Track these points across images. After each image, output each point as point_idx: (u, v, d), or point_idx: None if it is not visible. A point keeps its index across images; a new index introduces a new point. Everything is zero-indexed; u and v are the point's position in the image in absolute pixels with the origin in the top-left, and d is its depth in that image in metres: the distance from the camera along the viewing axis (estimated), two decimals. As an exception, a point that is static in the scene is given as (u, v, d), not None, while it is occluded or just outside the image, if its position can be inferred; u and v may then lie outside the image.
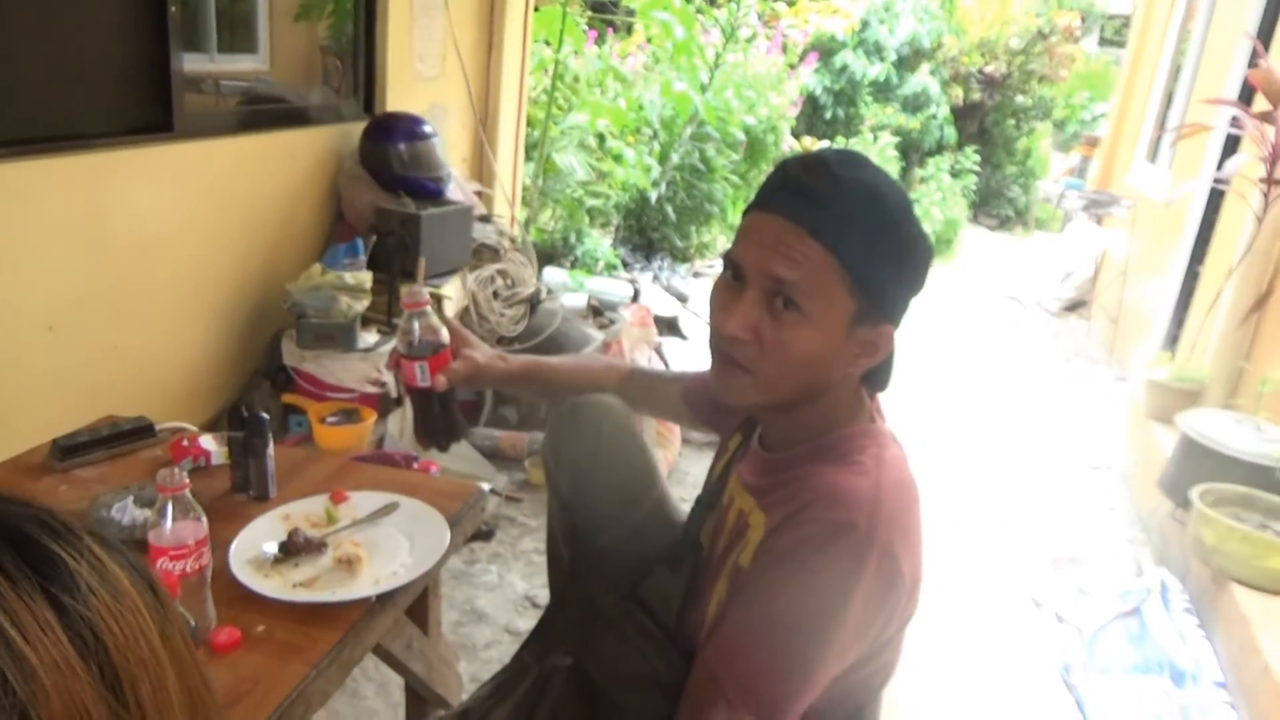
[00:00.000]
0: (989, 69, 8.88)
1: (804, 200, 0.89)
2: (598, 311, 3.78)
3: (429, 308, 1.18)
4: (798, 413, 0.99)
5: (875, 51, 8.47)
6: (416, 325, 1.18)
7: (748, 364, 0.94)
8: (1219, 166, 3.55)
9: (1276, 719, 1.93)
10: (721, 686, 0.91)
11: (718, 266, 5.69)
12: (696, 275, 5.55)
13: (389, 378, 2.69)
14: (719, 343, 0.96)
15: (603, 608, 1.10)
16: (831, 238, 0.89)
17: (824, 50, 8.11)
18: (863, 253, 0.90)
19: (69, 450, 1.48)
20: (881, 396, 1.08)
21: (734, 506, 1.05)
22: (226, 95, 2.82)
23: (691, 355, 3.78)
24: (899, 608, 0.92)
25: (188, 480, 1.06)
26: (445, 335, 1.20)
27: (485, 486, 1.50)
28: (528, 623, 2.33)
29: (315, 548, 1.24)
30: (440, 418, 1.22)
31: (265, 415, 1.37)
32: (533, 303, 3.39)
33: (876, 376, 1.01)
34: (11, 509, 0.43)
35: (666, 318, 4.22)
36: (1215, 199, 3.71)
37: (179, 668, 0.43)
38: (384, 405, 2.71)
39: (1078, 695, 2.26)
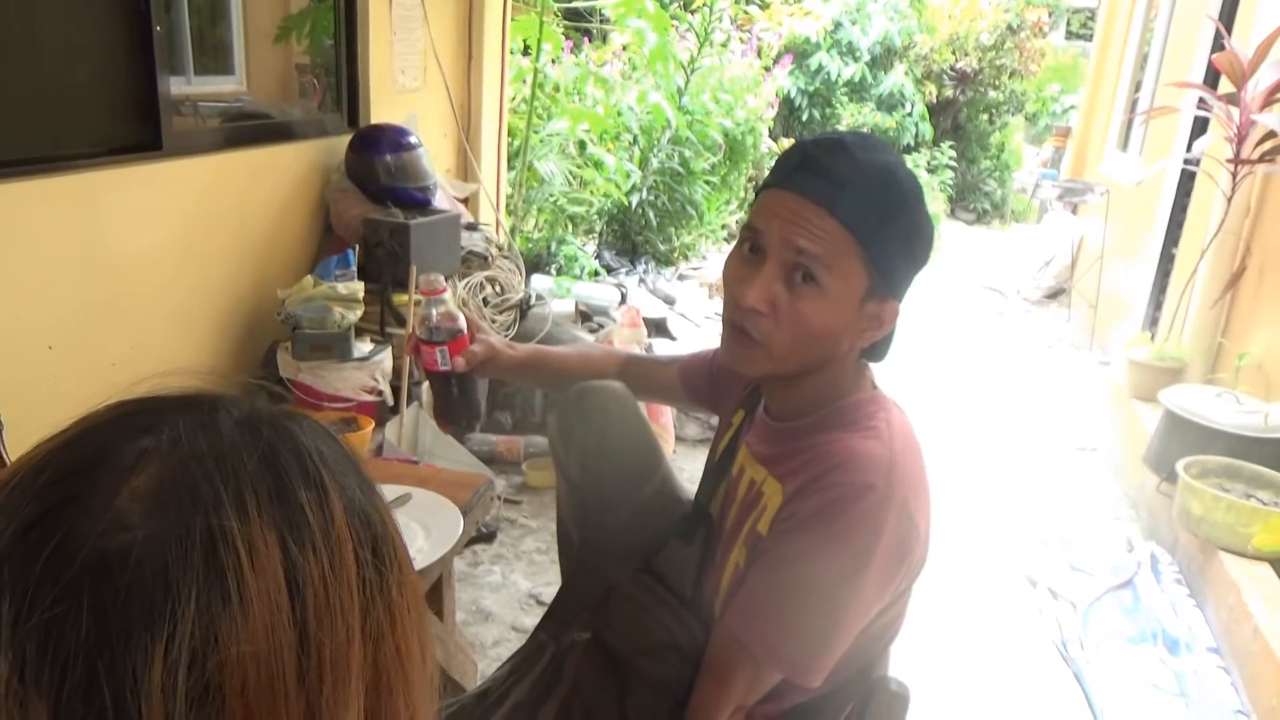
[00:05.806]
0: (960, 65, 8.99)
1: (824, 180, 0.93)
2: (586, 317, 3.81)
3: (446, 295, 1.21)
4: (803, 383, 1.03)
5: (849, 52, 8.55)
6: (434, 311, 1.21)
7: (761, 336, 0.97)
8: (1188, 149, 3.62)
9: (1268, 679, 1.98)
10: (747, 648, 0.95)
11: (702, 268, 5.73)
12: (681, 278, 5.59)
13: (386, 386, 2.72)
14: (734, 315, 0.98)
15: (618, 582, 1.13)
16: (850, 217, 0.93)
17: (798, 52, 8.18)
18: (877, 232, 0.94)
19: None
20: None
21: (745, 477, 1.08)
22: (206, 116, 2.84)
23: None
24: (916, 562, 0.96)
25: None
26: (462, 321, 1.23)
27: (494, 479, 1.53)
28: (533, 620, 2.35)
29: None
30: (460, 400, 1.25)
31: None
32: (522, 308, 3.43)
33: (876, 349, 1.06)
34: (291, 438, 0.46)
35: (655, 319, 4.26)
36: (1186, 183, 3.79)
37: (374, 648, 0.45)
38: (381, 413, 2.73)
39: (1076, 668, 2.30)
